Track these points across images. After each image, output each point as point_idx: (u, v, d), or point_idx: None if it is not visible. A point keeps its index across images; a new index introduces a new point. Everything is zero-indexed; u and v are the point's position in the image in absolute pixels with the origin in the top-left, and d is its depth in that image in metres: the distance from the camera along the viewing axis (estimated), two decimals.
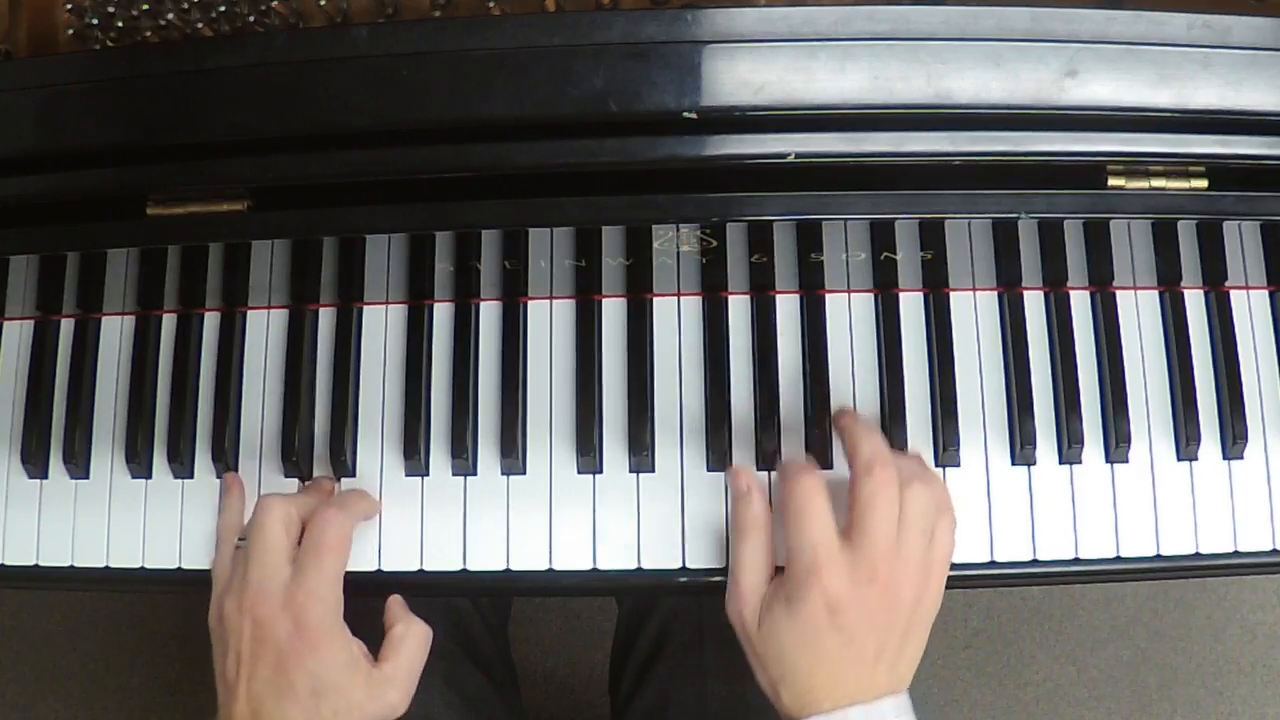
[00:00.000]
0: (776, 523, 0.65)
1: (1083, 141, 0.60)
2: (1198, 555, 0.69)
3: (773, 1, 0.63)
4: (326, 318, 0.74)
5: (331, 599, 0.64)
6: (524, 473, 0.71)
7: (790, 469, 0.64)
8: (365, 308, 0.74)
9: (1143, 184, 0.62)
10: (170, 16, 0.67)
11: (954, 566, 0.69)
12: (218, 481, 0.73)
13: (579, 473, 0.71)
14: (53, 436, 0.74)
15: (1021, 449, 0.70)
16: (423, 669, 0.68)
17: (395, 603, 0.69)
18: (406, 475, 0.72)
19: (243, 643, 0.63)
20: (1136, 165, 0.62)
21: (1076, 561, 0.69)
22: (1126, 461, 0.70)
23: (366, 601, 0.67)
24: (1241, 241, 0.70)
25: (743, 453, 0.71)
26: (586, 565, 0.70)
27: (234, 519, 0.70)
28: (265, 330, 0.75)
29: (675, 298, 0.73)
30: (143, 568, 0.72)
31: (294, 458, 0.72)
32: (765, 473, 0.70)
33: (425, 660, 0.68)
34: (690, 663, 0.86)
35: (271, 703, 0.62)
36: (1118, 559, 0.69)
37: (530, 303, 0.74)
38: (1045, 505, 0.70)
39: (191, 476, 0.73)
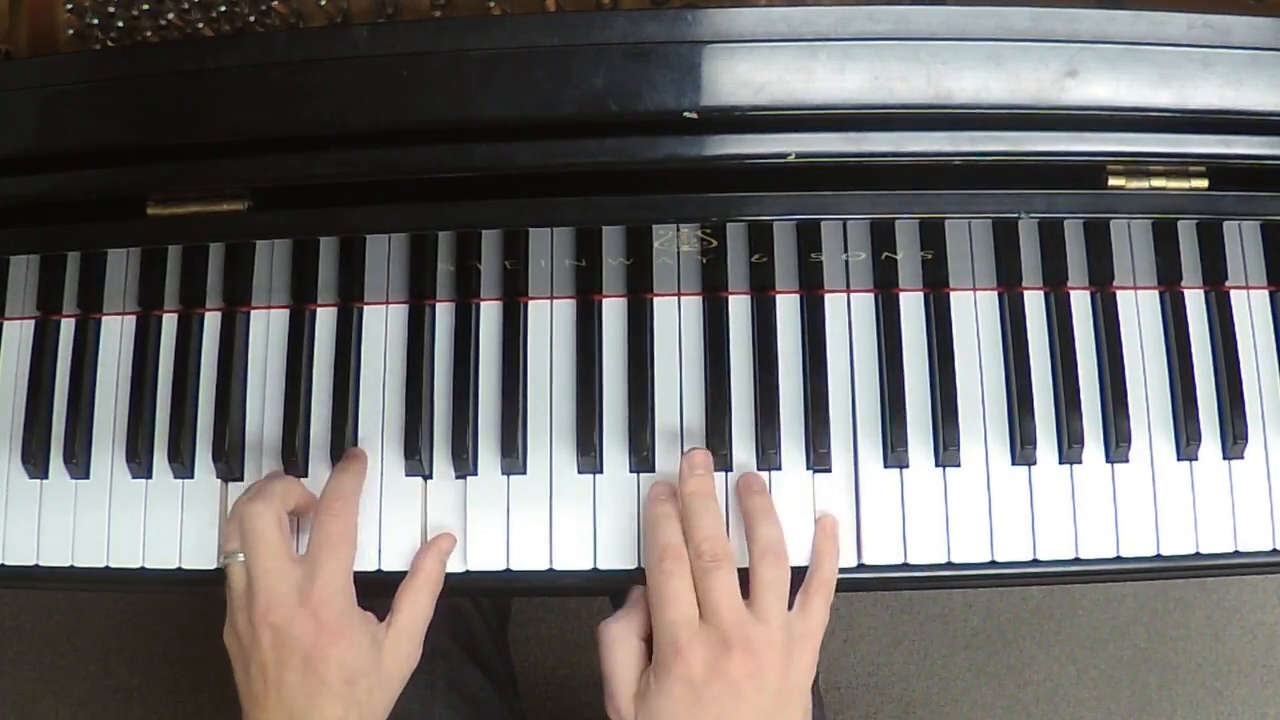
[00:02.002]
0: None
1: (1083, 141, 0.60)
2: (1198, 555, 0.69)
3: (773, 1, 0.63)
4: (326, 318, 0.74)
5: (348, 588, 0.64)
6: (524, 473, 0.71)
7: (653, 552, 0.65)
8: (365, 308, 0.74)
9: (1143, 184, 0.62)
10: (170, 16, 0.67)
11: (954, 566, 0.69)
12: (218, 482, 0.73)
13: (579, 473, 0.71)
14: (53, 437, 0.74)
15: (1022, 449, 0.70)
16: (428, 642, 0.68)
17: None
18: (406, 475, 0.72)
19: (264, 652, 0.62)
20: (1136, 165, 0.62)
21: (1076, 561, 0.69)
22: (1127, 461, 0.70)
23: (367, 601, 0.67)
24: (1241, 241, 0.70)
25: (743, 453, 0.71)
26: (587, 565, 0.70)
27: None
28: (265, 330, 0.75)
29: (675, 298, 0.73)
30: (143, 568, 0.72)
31: (294, 458, 0.72)
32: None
33: (435, 596, 0.68)
34: None
35: (306, 703, 0.62)
36: (1118, 559, 0.69)
37: (530, 302, 0.74)
38: (1045, 505, 0.70)
39: (192, 476, 0.73)
